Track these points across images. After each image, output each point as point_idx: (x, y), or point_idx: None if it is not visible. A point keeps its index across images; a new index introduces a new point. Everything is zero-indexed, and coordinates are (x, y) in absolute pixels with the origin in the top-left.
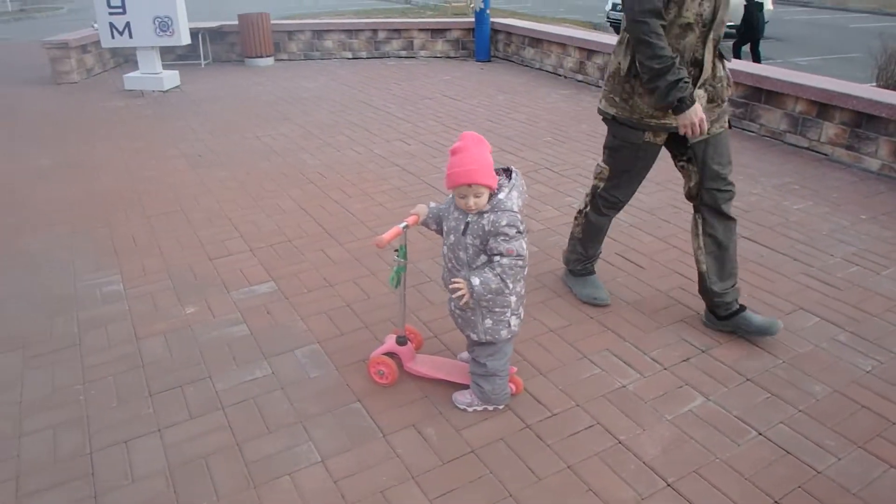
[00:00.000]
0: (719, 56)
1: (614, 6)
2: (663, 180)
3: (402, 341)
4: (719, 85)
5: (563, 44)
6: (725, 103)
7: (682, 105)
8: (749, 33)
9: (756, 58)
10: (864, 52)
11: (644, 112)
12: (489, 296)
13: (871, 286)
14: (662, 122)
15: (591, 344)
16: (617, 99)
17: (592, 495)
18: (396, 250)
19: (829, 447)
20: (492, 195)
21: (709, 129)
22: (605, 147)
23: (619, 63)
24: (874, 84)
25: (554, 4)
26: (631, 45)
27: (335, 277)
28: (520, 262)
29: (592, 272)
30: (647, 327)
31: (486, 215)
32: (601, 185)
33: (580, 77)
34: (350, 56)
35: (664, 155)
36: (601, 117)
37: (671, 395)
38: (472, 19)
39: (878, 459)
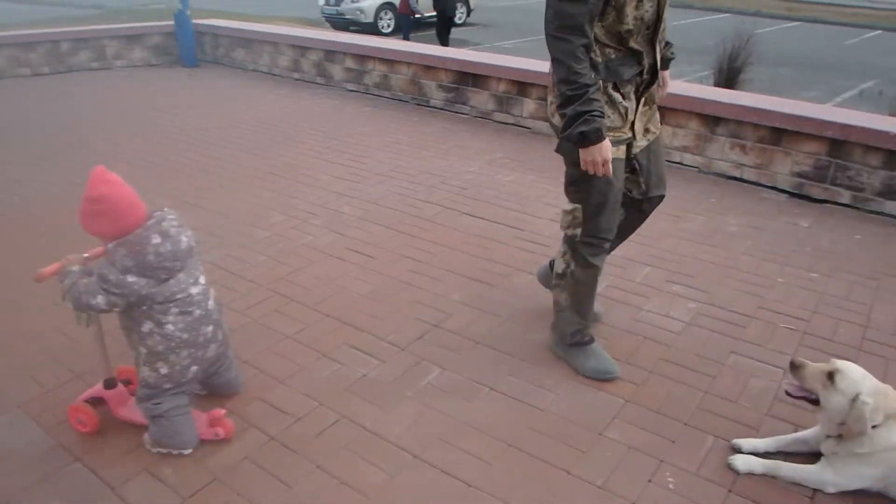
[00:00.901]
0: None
1: (328, 1)
2: (386, 171)
3: (109, 384)
4: (654, 86)
5: (274, 42)
6: (655, 104)
7: (586, 140)
8: (442, 20)
9: (444, 42)
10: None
11: None
12: (65, 282)
13: None
14: (618, 134)
15: (330, 342)
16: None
17: (346, 488)
18: None
19: (548, 385)
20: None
21: (645, 132)
22: (567, 185)
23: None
24: None
25: (268, 1)
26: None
27: (33, 328)
28: (82, 300)
29: (593, 339)
30: (382, 314)
31: None
32: (578, 232)
33: (297, 75)
34: (28, 73)
35: (379, 145)
36: (555, 135)
37: (410, 373)
38: (172, 22)
39: (585, 386)
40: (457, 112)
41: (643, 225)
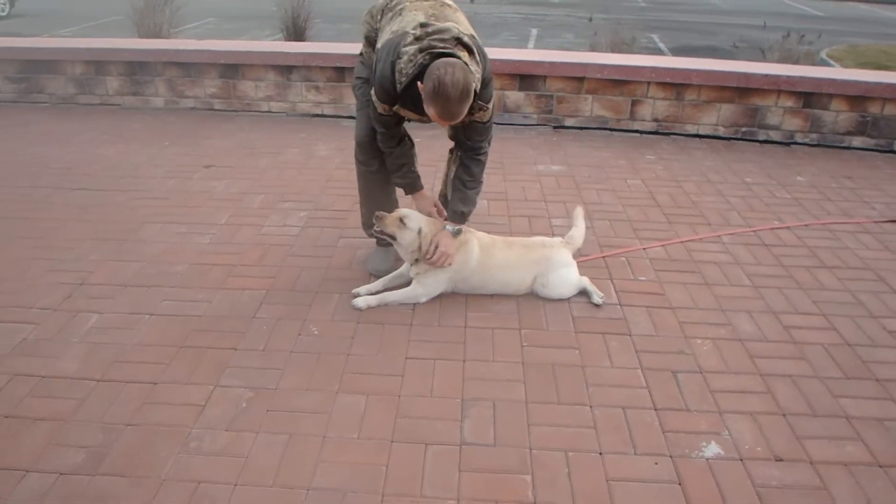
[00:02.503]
0: None
1: None
2: None
3: None
4: None
5: None
6: None
7: (405, 190)
8: None
9: None
10: (124, 16)
11: None
12: None
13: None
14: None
15: None
16: (363, 49)
17: (41, 422)
18: None
19: (201, 298)
20: None
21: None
22: None
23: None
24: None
25: None
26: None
27: None
28: None
29: (378, 242)
30: (21, 289)
31: None
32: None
33: None
34: None
35: None
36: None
37: (69, 325)
38: None
39: (230, 291)
40: (34, 102)
41: (250, 164)
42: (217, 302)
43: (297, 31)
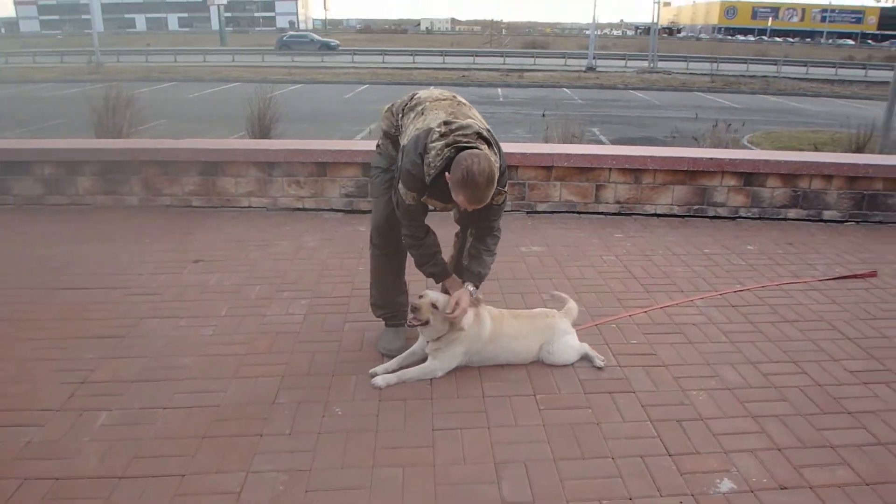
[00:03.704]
0: None
1: None
2: None
3: None
4: None
5: None
6: None
7: (436, 279)
8: None
9: None
10: (67, 119)
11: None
12: None
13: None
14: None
15: None
16: (379, 142)
17: None
18: None
19: (216, 389)
20: None
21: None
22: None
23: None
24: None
25: None
26: (394, 138)
27: None
28: None
29: (389, 322)
30: (21, 391)
31: None
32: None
33: None
34: None
35: None
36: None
37: (77, 424)
38: None
39: (246, 379)
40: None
41: (240, 257)
42: (233, 391)
43: (262, 130)
